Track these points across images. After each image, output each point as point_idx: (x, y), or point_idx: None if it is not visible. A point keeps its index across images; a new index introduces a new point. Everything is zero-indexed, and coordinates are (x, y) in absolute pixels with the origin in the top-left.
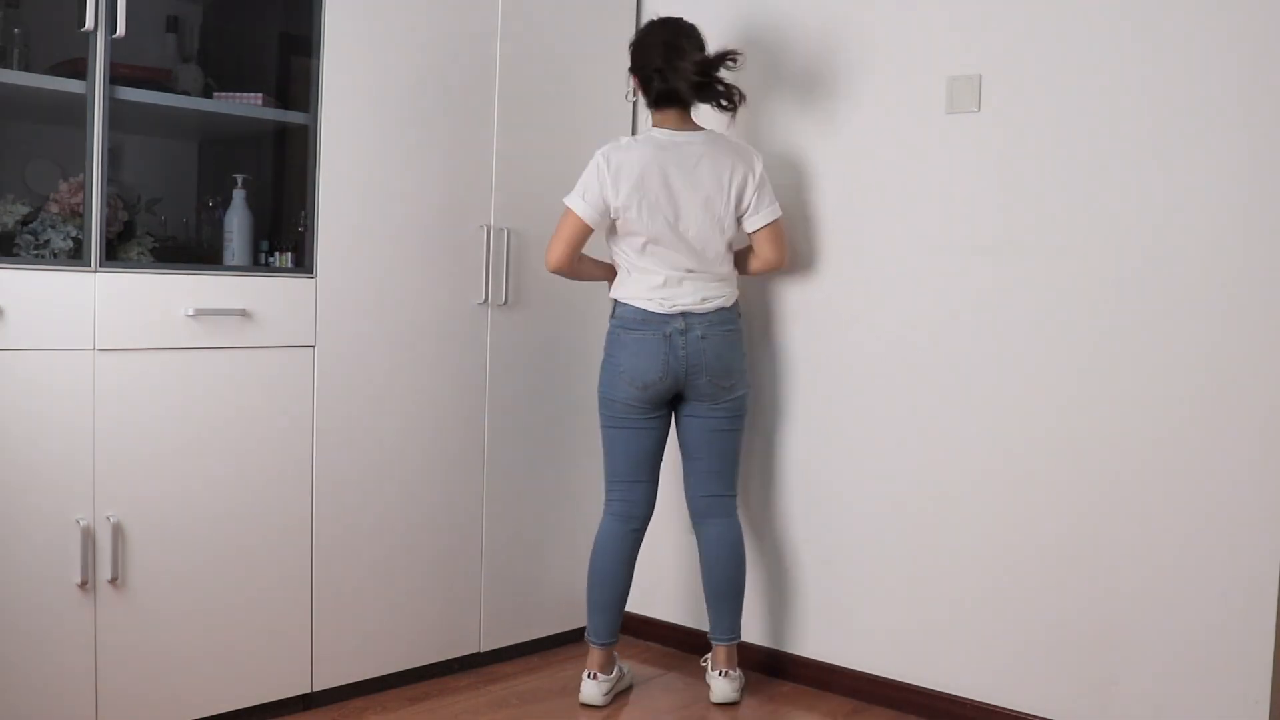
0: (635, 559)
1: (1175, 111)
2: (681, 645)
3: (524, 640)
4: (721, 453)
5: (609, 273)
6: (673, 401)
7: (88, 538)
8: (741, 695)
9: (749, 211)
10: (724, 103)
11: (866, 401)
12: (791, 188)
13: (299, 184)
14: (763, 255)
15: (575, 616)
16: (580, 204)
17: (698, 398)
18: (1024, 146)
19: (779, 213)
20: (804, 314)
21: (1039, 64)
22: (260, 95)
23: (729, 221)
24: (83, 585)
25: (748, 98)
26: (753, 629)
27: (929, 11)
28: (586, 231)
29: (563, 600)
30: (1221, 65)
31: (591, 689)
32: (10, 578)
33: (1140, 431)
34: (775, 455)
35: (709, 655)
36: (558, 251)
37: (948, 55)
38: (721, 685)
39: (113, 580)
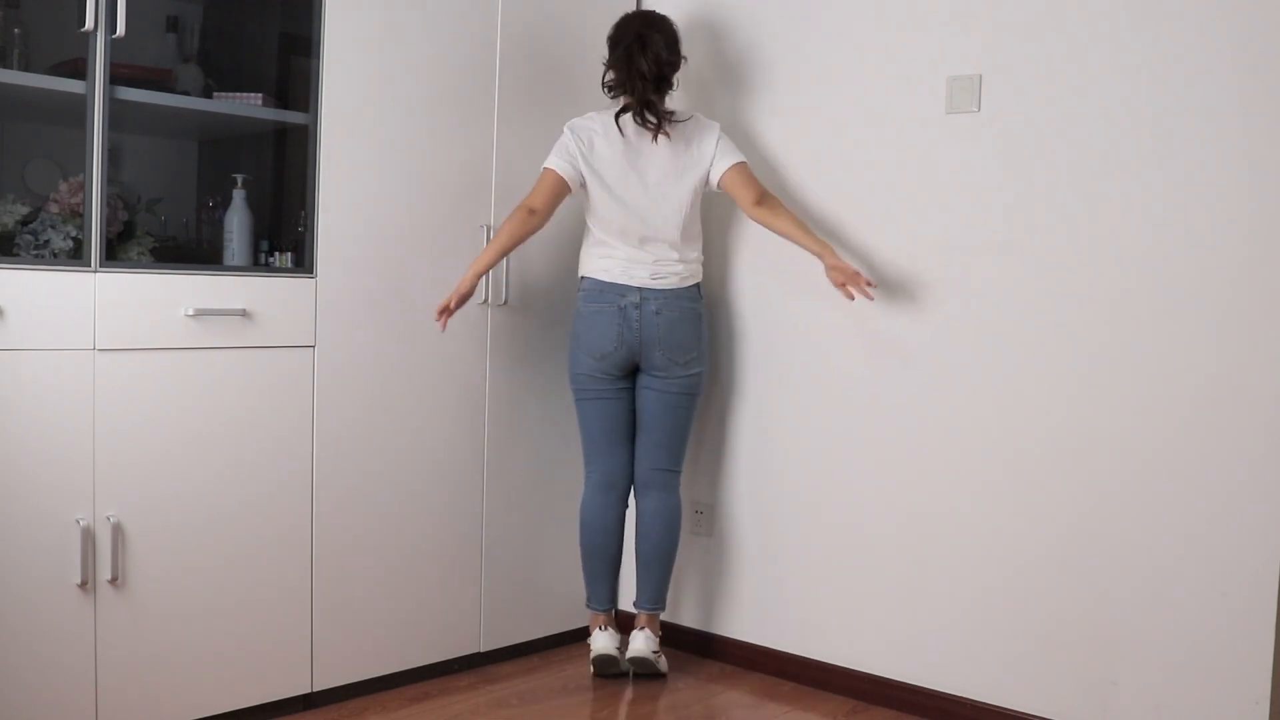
0: (623, 524)
1: (1175, 111)
2: (683, 646)
3: (524, 640)
4: (672, 427)
5: (498, 252)
6: (633, 374)
7: (88, 538)
8: (659, 660)
9: (713, 163)
10: (650, 118)
11: (867, 402)
12: (790, 188)
13: (299, 184)
14: (739, 197)
15: (575, 616)
16: (553, 159)
17: (652, 370)
18: (1024, 146)
19: (742, 157)
20: (802, 315)
21: (1039, 64)
22: (260, 95)
23: (687, 196)
24: (83, 585)
25: (748, 96)
26: (753, 628)
27: (929, 12)
28: (561, 182)
29: (563, 600)
30: (1221, 65)
31: (603, 640)
32: (10, 578)
33: (1140, 431)
34: (775, 456)
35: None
36: (534, 196)
37: (948, 55)
38: (637, 639)
39: (113, 580)
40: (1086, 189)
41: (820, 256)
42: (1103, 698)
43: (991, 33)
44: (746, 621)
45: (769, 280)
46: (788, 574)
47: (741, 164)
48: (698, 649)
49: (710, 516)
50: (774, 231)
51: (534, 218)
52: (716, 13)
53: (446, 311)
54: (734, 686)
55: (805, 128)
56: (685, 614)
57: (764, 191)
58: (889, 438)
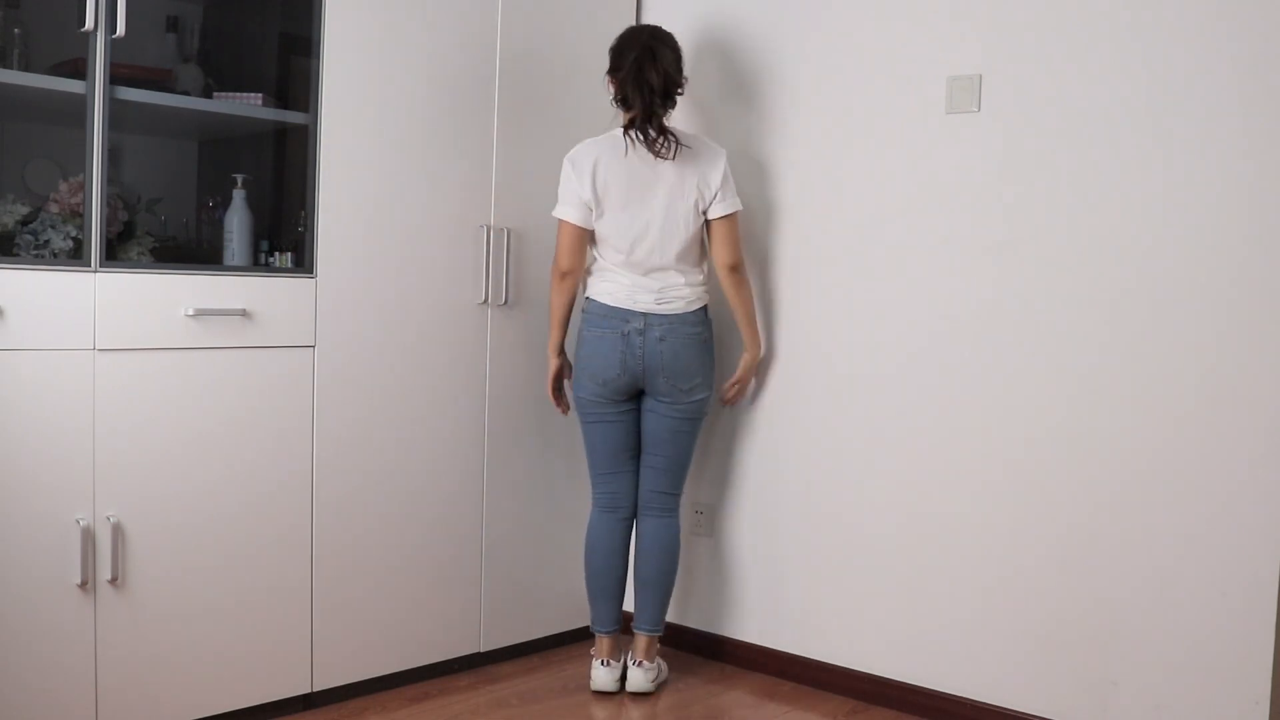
0: (628, 547)
1: (1175, 111)
2: (683, 646)
3: (524, 640)
4: (674, 452)
5: (562, 323)
6: (638, 395)
7: (88, 538)
8: (658, 687)
9: (714, 202)
10: (653, 133)
11: (866, 403)
12: (790, 188)
13: (299, 184)
14: (714, 249)
15: (575, 616)
16: (564, 209)
17: (657, 395)
18: (1024, 146)
19: (739, 206)
20: (801, 316)
21: (1039, 64)
22: (260, 95)
23: (692, 218)
24: (83, 585)
25: (756, 95)
26: (753, 629)
27: (929, 12)
28: (580, 232)
29: (563, 600)
30: (1221, 65)
31: (603, 675)
32: (10, 578)
33: (1140, 431)
34: (776, 458)
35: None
36: (561, 258)
37: (948, 55)
38: (635, 674)
39: (113, 580)
40: (1086, 189)
41: (745, 350)
42: (1103, 698)
43: (991, 33)
44: (746, 622)
45: (772, 285)
46: (788, 574)
47: (735, 215)
48: (698, 649)
49: (711, 517)
50: (727, 299)
51: (571, 277)
52: (716, 15)
53: (558, 398)
54: (734, 686)
55: (805, 128)
56: (686, 614)
57: (741, 260)
58: (889, 438)
